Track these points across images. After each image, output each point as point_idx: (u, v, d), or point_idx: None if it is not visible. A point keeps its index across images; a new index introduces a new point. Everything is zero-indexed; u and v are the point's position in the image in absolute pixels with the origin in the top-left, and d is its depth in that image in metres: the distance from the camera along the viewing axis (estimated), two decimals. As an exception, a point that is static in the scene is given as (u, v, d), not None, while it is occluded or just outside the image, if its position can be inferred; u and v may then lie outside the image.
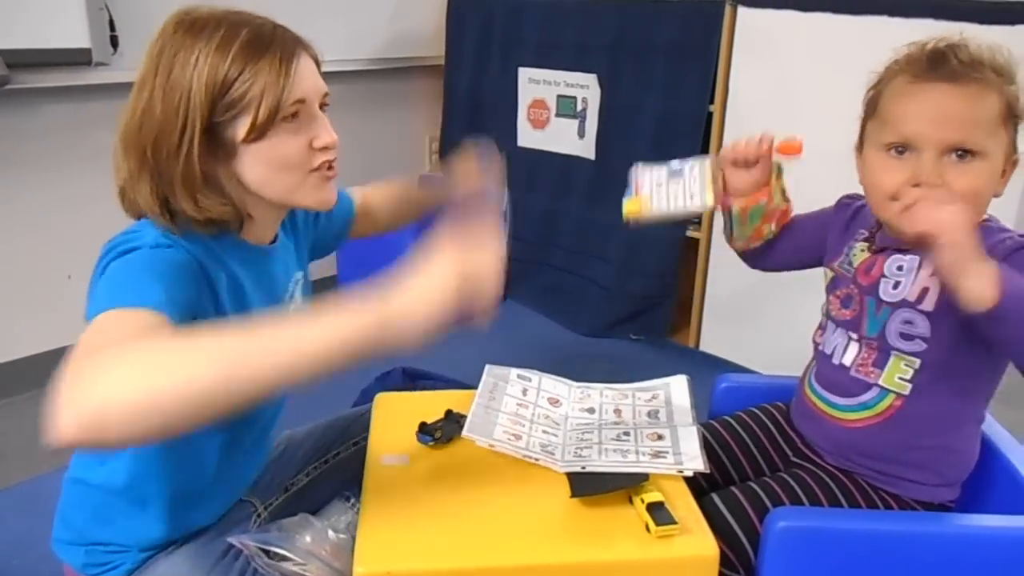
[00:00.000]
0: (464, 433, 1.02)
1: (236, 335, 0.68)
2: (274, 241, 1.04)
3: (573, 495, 0.92)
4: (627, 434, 1.05)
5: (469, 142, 1.15)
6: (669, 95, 2.38)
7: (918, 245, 0.89)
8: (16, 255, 2.18)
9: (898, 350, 1.00)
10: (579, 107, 2.62)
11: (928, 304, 0.97)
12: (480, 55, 2.86)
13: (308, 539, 1.03)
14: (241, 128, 0.88)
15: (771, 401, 1.23)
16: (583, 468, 0.97)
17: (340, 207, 1.14)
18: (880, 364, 1.02)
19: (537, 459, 0.99)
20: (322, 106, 0.97)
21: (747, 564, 0.98)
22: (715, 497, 1.02)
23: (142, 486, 0.98)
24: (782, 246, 1.19)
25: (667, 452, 1.01)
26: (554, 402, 1.15)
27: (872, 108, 1.01)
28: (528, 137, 2.82)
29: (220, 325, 0.72)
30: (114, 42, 2.06)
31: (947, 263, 0.83)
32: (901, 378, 1.00)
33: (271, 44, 0.89)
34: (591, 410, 1.13)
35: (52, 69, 2.02)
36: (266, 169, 0.92)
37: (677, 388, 1.17)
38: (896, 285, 1.00)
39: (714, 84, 2.26)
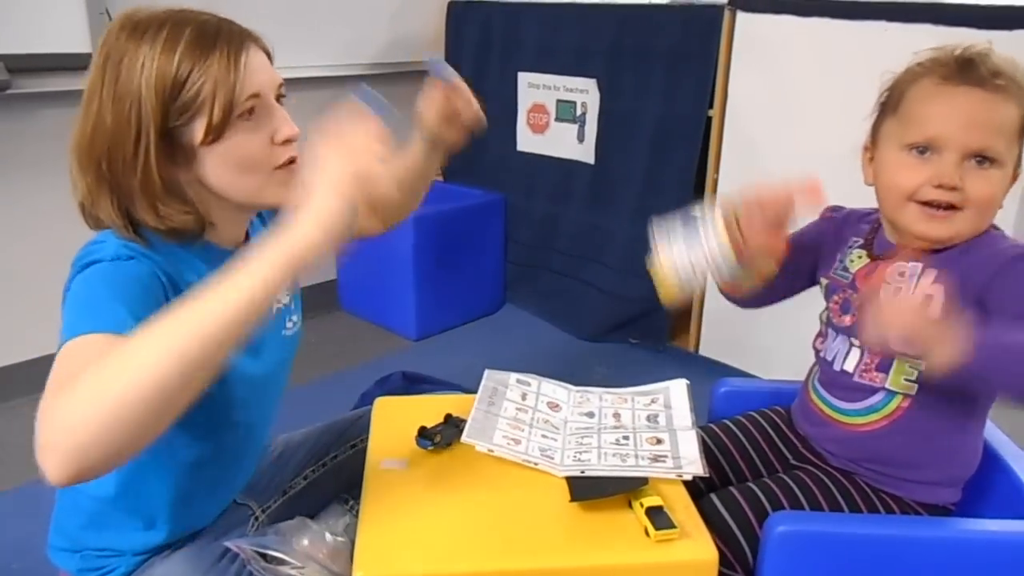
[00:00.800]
0: (464, 438, 1.02)
1: (170, 317, 0.69)
2: (246, 242, 1.01)
3: (572, 499, 0.92)
4: (626, 438, 1.05)
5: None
6: (668, 100, 2.38)
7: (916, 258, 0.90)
8: (16, 259, 2.18)
9: (901, 354, 1.00)
10: (578, 112, 2.62)
11: (931, 312, 0.96)
12: (479, 60, 2.87)
13: (305, 542, 1.03)
14: (198, 131, 0.85)
15: (770, 406, 1.24)
16: (582, 472, 0.97)
17: None
18: (884, 368, 1.02)
19: (536, 463, 0.99)
20: (278, 98, 0.93)
21: (745, 564, 0.98)
22: (713, 497, 1.02)
23: (131, 493, 0.97)
24: (783, 276, 1.08)
25: (666, 456, 1.01)
26: (553, 407, 1.15)
27: (892, 108, 1.00)
28: (528, 141, 2.82)
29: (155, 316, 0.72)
30: (114, 46, 2.06)
31: (919, 349, 0.85)
32: (907, 379, 1.00)
33: (217, 39, 0.86)
34: (590, 414, 1.13)
35: (53, 74, 2.02)
36: (228, 171, 0.89)
37: (676, 392, 1.17)
38: (897, 291, 1.00)
39: (713, 89, 2.26)
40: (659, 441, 1.05)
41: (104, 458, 0.66)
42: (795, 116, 2.07)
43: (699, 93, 2.30)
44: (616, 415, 1.12)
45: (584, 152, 2.64)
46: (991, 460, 1.08)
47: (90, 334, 0.75)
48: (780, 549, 0.94)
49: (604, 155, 2.59)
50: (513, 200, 2.88)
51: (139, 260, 0.85)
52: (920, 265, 0.99)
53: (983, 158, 0.93)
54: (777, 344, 1.89)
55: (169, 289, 0.87)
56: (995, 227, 1.00)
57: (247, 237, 1.02)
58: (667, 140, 2.40)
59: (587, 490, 0.93)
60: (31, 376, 2.19)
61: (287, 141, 0.91)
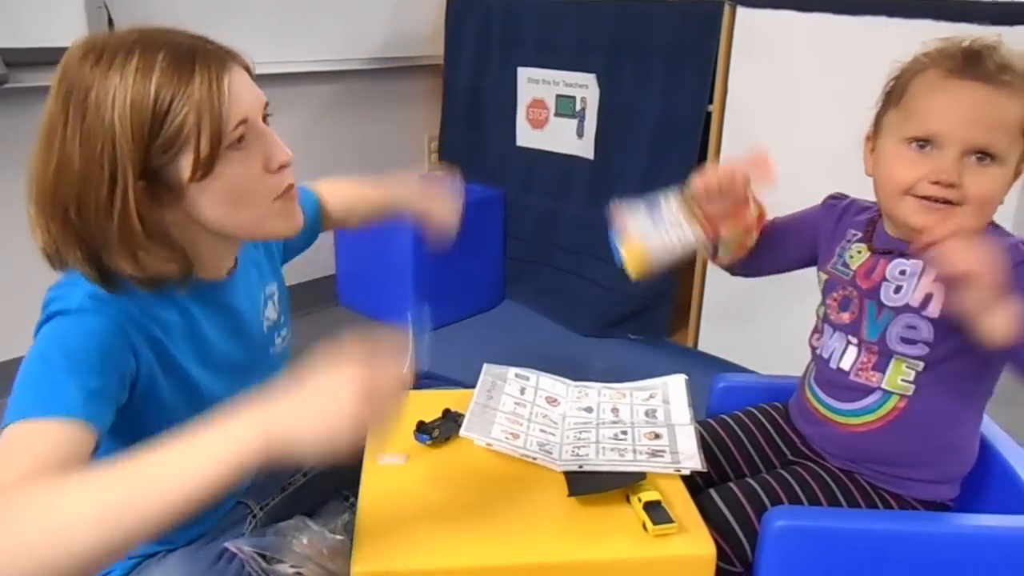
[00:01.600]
0: (462, 432, 1.02)
1: (111, 484, 0.64)
2: (233, 269, 0.96)
3: (570, 494, 0.92)
4: (624, 433, 1.05)
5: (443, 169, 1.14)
6: (668, 95, 2.37)
7: (924, 251, 0.87)
8: (15, 254, 2.18)
9: (900, 354, 0.99)
10: (578, 107, 2.62)
11: (932, 310, 0.96)
12: (479, 55, 2.86)
13: (304, 541, 1.03)
14: (184, 167, 0.77)
15: (769, 401, 1.24)
16: (580, 467, 0.97)
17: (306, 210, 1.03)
18: (881, 367, 1.01)
19: (535, 458, 0.99)
20: (264, 118, 0.86)
21: (743, 557, 0.98)
22: (712, 493, 1.02)
23: None
24: (770, 251, 1.14)
25: (664, 451, 1.01)
26: (552, 401, 1.15)
27: (895, 99, 0.99)
28: (527, 137, 2.82)
29: (101, 466, 0.66)
30: (113, 41, 2.06)
31: (975, 302, 0.82)
32: (904, 379, 1.00)
33: (195, 62, 0.77)
34: (589, 409, 1.13)
35: (51, 68, 2.01)
36: (224, 206, 0.81)
37: (675, 387, 1.17)
38: (898, 289, 0.99)
39: (713, 84, 2.26)
40: (657, 436, 1.05)
41: None
42: (795, 111, 2.07)
43: (699, 88, 2.29)
44: (615, 410, 1.12)
45: (584, 147, 2.64)
46: (989, 456, 1.08)
47: (36, 420, 0.70)
48: (779, 544, 0.94)
49: (604, 150, 2.58)
50: (512, 195, 2.87)
51: (105, 315, 0.78)
52: (921, 263, 0.98)
53: (984, 154, 0.91)
54: (775, 339, 1.89)
55: (138, 341, 0.81)
56: (995, 224, 1.00)
57: (234, 264, 0.96)
58: (667, 135, 2.40)
59: (585, 485, 0.93)
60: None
61: (281, 167, 0.85)
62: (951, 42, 0.96)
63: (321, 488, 1.22)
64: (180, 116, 0.75)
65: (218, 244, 0.88)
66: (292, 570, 1.00)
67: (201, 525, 1.02)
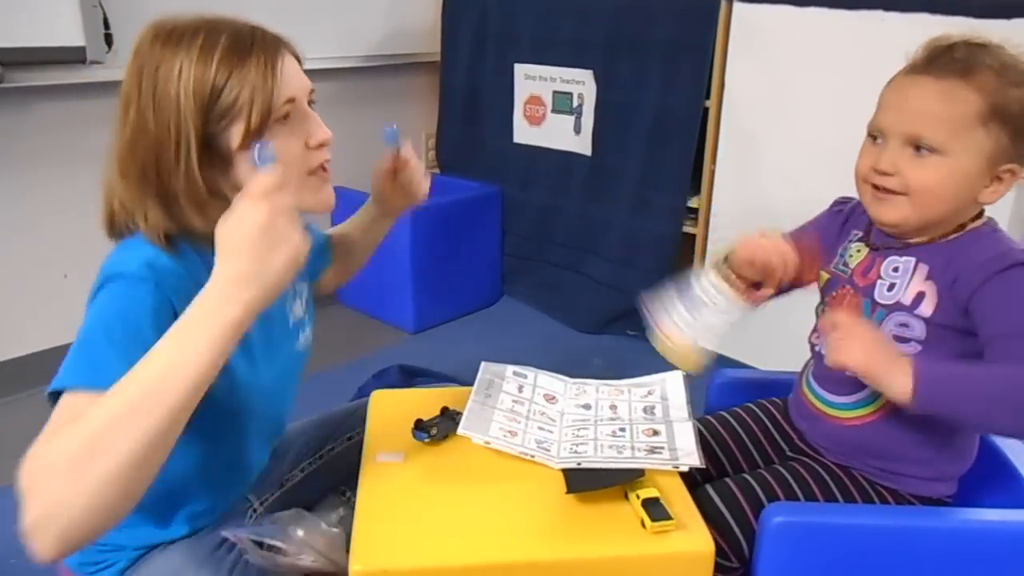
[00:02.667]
0: (460, 430, 1.02)
1: (126, 390, 0.71)
2: None
3: (569, 491, 0.92)
4: (623, 430, 1.05)
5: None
6: (665, 91, 2.37)
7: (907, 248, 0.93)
8: (12, 254, 2.18)
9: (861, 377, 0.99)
10: (575, 103, 2.62)
11: (925, 309, 0.97)
12: (476, 51, 2.86)
13: (301, 532, 1.04)
14: (236, 135, 0.87)
15: (767, 396, 1.24)
16: (579, 464, 0.97)
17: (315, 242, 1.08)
18: None
19: (533, 456, 0.99)
20: (310, 103, 0.95)
21: (740, 554, 0.98)
22: (709, 489, 1.02)
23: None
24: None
25: (662, 448, 1.01)
26: (550, 399, 1.15)
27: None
28: (524, 133, 2.81)
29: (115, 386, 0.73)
30: (108, 40, 2.05)
31: (867, 380, 0.92)
32: None
33: (253, 47, 0.87)
34: (587, 406, 1.13)
35: (46, 67, 2.01)
36: None
37: (673, 384, 1.17)
38: (891, 287, 1.00)
39: (710, 80, 2.26)
40: (655, 432, 1.05)
41: (88, 532, 0.70)
42: (793, 107, 2.06)
43: (696, 84, 2.29)
44: (613, 407, 1.12)
45: (581, 144, 2.64)
46: (988, 450, 1.08)
47: (86, 391, 0.76)
48: (776, 539, 0.94)
49: (601, 147, 2.58)
50: (510, 192, 2.87)
51: (158, 286, 0.83)
52: (913, 260, 0.99)
53: (919, 146, 0.94)
54: (774, 335, 1.89)
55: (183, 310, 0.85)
56: (993, 224, 0.99)
57: None
58: (664, 131, 2.39)
59: (583, 482, 0.93)
60: (30, 371, 2.20)
61: (321, 145, 0.93)
62: (935, 40, 0.97)
63: (319, 485, 1.23)
64: (236, 91, 0.85)
65: None
66: (289, 558, 1.01)
67: (204, 519, 1.04)
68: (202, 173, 0.86)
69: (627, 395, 1.16)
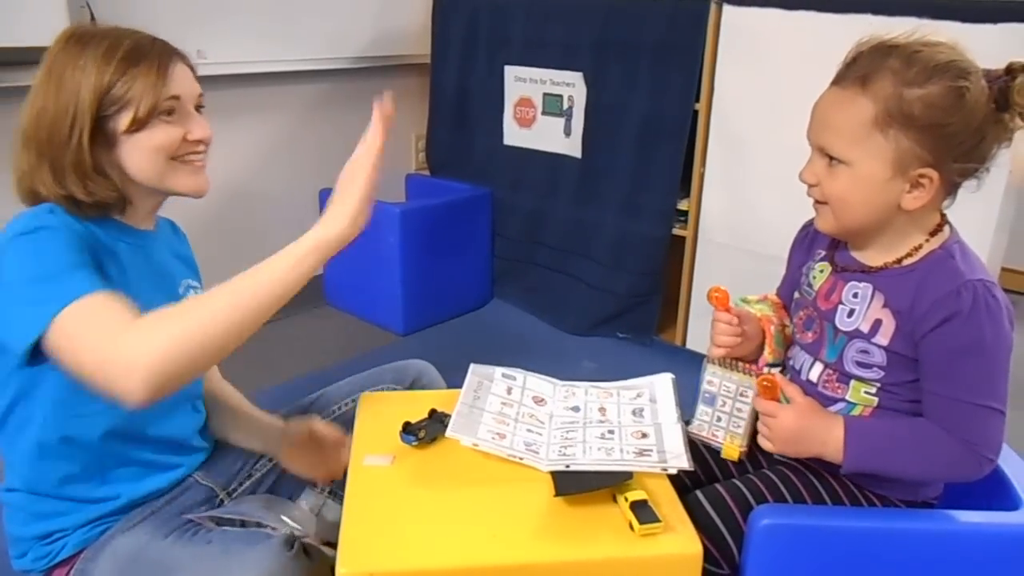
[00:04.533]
0: (448, 433, 1.02)
1: (233, 283, 0.90)
2: (155, 228, 1.14)
3: (557, 494, 0.92)
4: (611, 432, 1.05)
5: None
6: (655, 93, 2.38)
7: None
8: None
9: (857, 376, 1.00)
10: (565, 105, 2.62)
11: (882, 338, 0.97)
12: (466, 53, 2.86)
13: (271, 512, 1.04)
14: (123, 121, 1.00)
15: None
16: (567, 467, 0.97)
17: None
18: (844, 382, 1.02)
19: (521, 458, 0.99)
20: (198, 107, 1.08)
21: (730, 559, 0.98)
22: (699, 494, 1.02)
23: (54, 476, 1.04)
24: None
25: (651, 450, 1.01)
26: (539, 401, 1.15)
27: None
28: (514, 135, 2.81)
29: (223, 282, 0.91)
30: (96, 40, 2.05)
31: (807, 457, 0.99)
32: (867, 392, 1.00)
33: (149, 53, 1.02)
34: (576, 408, 1.13)
35: (31, 67, 2.00)
36: (142, 156, 1.02)
37: (662, 386, 1.17)
38: (851, 313, 1.00)
39: (699, 83, 2.26)
40: (644, 435, 1.05)
41: (185, 372, 0.85)
42: (782, 110, 2.07)
43: (686, 87, 2.30)
44: (602, 409, 1.12)
45: (571, 146, 2.64)
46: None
47: (88, 295, 0.88)
48: (765, 542, 0.94)
49: (591, 149, 2.58)
50: (500, 194, 2.87)
51: (68, 226, 0.97)
52: (871, 287, 0.99)
53: (830, 157, 0.95)
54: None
55: (93, 256, 0.97)
56: (952, 248, 0.96)
57: (156, 227, 1.15)
58: (654, 134, 2.40)
59: (571, 484, 0.93)
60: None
61: (198, 140, 1.06)
62: (857, 46, 0.98)
63: (292, 481, 1.22)
64: (128, 85, 1.00)
65: (140, 194, 1.07)
66: (254, 520, 1.04)
67: (151, 480, 1.10)
68: (90, 150, 1.00)
69: (616, 397, 1.16)
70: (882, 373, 0.98)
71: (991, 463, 0.93)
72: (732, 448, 1.07)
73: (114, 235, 1.05)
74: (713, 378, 1.09)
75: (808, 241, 1.14)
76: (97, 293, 0.89)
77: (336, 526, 0.89)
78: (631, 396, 1.16)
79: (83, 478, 1.04)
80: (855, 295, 1.00)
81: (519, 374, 1.20)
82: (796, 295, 1.11)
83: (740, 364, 1.08)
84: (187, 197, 1.09)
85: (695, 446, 1.14)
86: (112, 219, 1.05)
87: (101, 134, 1.01)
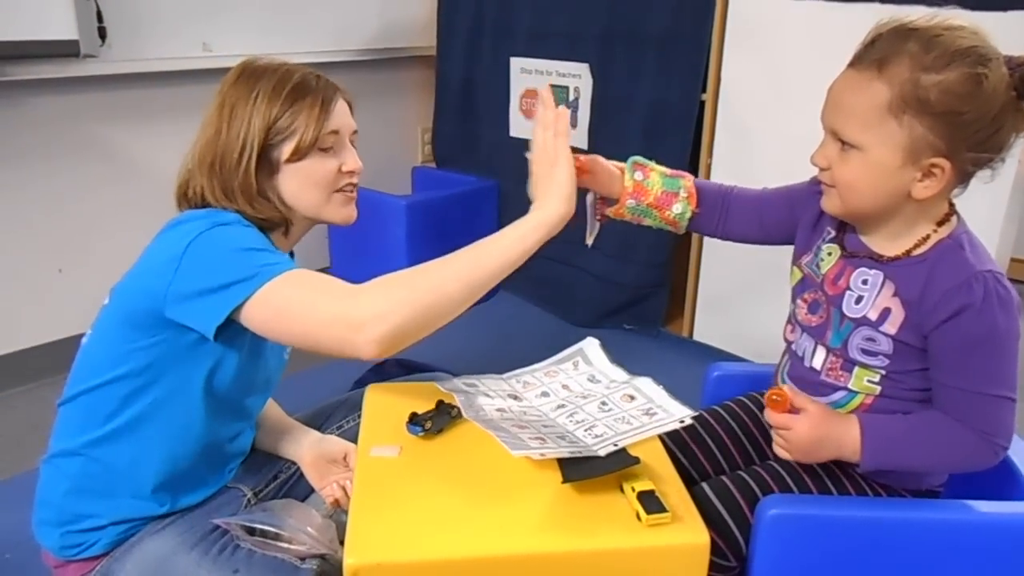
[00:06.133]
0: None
1: (462, 253, 0.98)
2: (291, 257, 1.18)
3: (564, 481, 0.92)
4: (604, 404, 1.05)
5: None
6: (661, 84, 2.37)
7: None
8: (6, 249, 2.17)
9: (861, 363, 1.00)
10: (571, 96, 2.61)
11: (890, 327, 0.96)
12: (472, 45, 2.85)
13: (292, 519, 1.05)
14: (287, 150, 1.08)
15: (762, 389, 1.23)
16: (616, 444, 0.94)
17: None
18: (847, 369, 1.01)
19: (575, 453, 0.94)
20: (352, 141, 1.15)
21: (737, 552, 0.98)
22: (706, 487, 1.02)
23: (126, 457, 1.05)
24: (745, 215, 1.17)
25: (652, 408, 1.00)
26: (515, 397, 1.11)
27: None
28: (521, 127, 2.81)
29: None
30: (102, 33, 2.04)
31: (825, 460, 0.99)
32: (870, 381, 1.00)
33: (316, 88, 1.09)
34: (546, 394, 1.11)
35: (40, 61, 2.00)
36: (299, 184, 1.10)
37: (592, 350, 1.19)
38: (859, 300, 0.99)
39: (706, 72, 2.25)
40: (632, 397, 1.04)
41: (414, 332, 0.94)
42: (789, 99, 2.06)
43: (692, 77, 2.29)
44: (565, 387, 1.12)
45: (577, 137, 2.63)
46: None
47: (292, 271, 0.96)
48: (772, 532, 0.94)
49: (597, 140, 2.58)
50: (506, 186, 2.87)
51: (254, 229, 1.05)
52: (882, 275, 0.98)
53: (842, 141, 0.93)
54: (769, 329, 1.89)
55: None
56: (960, 238, 0.95)
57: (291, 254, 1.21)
58: (660, 125, 2.39)
59: (579, 471, 0.92)
60: (22, 366, 2.19)
61: (351, 171, 1.13)
62: (877, 28, 0.96)
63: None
64: (293, 118, 1.07)
65: (296, 218, 1.13)
66: (282, 543, 1.05)
67: (198, 493, 1.11)
68: (256, 175, 1.06)
69: (563, 374, 1.15)
70: (887, 361, 0.98)
71: (1004, 451, 0.93)
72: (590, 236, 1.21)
73: None
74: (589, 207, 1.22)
75: (818, 210, 1.09)
76: (302, 270, 0.97)
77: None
78: (570, 367, 1.17)
79: (148, 472, 1.06)
80: (864, 282, 0.99)
81: (474, 379, 1.17)
82: (800, 274, 1.09)
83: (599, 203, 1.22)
84: (337, 225, 1.17)
85: (701, 438, 1.14)
86: (269, 238, 1.10)
87: (266, 161, 1.08)
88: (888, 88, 0.88)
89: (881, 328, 0.97)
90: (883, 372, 0.99)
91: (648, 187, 1.18)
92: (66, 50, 1.99)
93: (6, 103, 2.07)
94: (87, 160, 2.26)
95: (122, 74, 2.16)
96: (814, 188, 1.10)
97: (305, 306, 0.94)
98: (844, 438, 0.95)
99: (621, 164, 1.19)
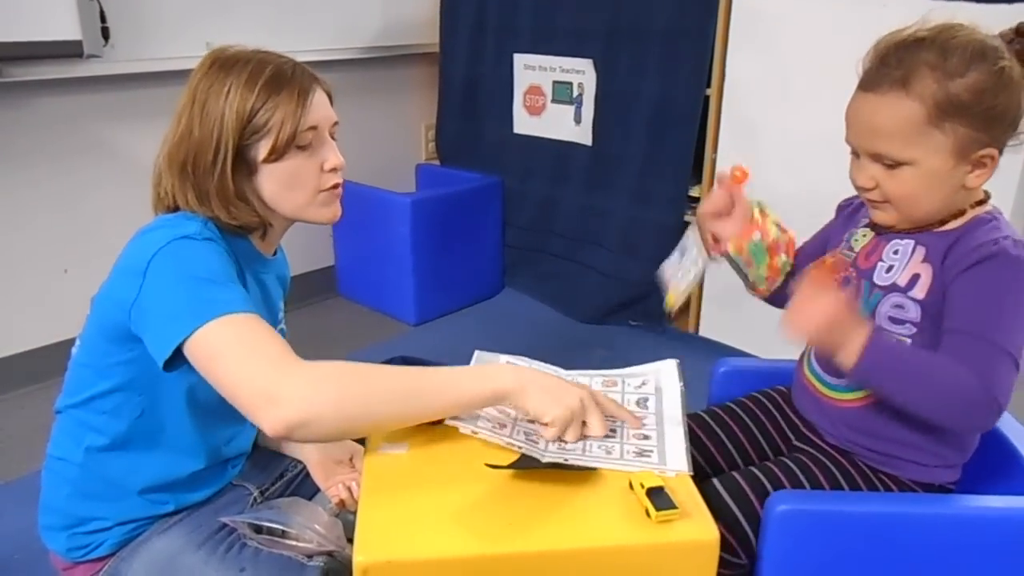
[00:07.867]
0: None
1: (405, 378, 0.92)
2: (274, 255, 1.15)
3: (509, 466, 0.92)
4: (614, 431, 1.04)
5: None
6: (665, 79, 2.36)
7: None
8: (11, 250, 2.18)
9: (888, 332, 0.99)
10: (575, 93, 2.61)
11: (919, 291, 0.97)
12: (475, 42, 2.85)
13: (299, 516, 1.05)
14: (263, 150, 1.01)
15: (770, 385, 1.23)
16: (565, 460, 0.95)
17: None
18: None
19: (520, 447, 0.98)
20: (332, 134, 1.08)
21: (748, 548, 0.98)
22: (716, 482, 1.01)
23: (128, 461, 1.04)
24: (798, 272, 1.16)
25: (652, 452, 0.98)
26: None
27: None
28: (524, 124, 2.81)
29: (396, 369, 0.93)
30: (105, 34, 2.04)
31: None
32: None
33: (291, 79, 1.02)
34: None
35: (43, 62, 2.01)
36: (280, 186, 1.04)
37: (667, 374, 1.15)
38: (890, 269, 1.00)
39: (711, 68, 2.25)
40: (646, 437, 1.03)
41: (323, 432, 0.89)
42: (794, 95, 2.06)
43: (697, 72, 2.28)
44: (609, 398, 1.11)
45: (582, 134, 2.63)
46: (994, 439, 1.07)
47: (240, 314, 0.90)
48: (781, 528, 0.94)
49: (602, 136, 2.58)
50: (510, 183, 2.87)
51: (217, 243, 0.99)
52: (913, 242, 0.99)
53: (886, 162, 0.94)
54: (776, 324, 1.89)
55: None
56: (993, 212, 0.98)
57: (275, 252, 1.16)
58: (665, 120, 2.39)
59: (528, 463, 0.93)
60: (28, 367, 2.20)
61: (333, 169, 1.06)
62: (876, 45, 0.97)
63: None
64: (269, 113, 1.00)
65: (277, 219, 1.09)
66: (288, 540, 1.05)
67: (200, 492, 1.11)
68: (232, 176, 1.01)
69: (621, 387, 1.15)
70: (914, 329, 0.98)
71: (999, 412, 0.91)
72: (671, 297, 1.18)
73: (243, 261, 1.06)
74: (691, 241, 1.18)
75: (850, 212, 1.14)
76: (252, 314, 0.90)
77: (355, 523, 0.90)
78: (636, 384, 1.14)
79: (147, 477, 1.05)
80: (896, 252, 1.00)
81: (524, 361, 1.19)
82: (831, 258, 1.10)
83: (708, 239, 1.14)
84: (322, 224, 1.12)
85: (713, 433, 1.14)
86: (248, 241, 1.07)
87: (243, 161, 1.02)
88: (920, 104, 0.90)
89: (910, 293, 0.97)
90: (909, 339, 0.98)
91: (768, 228, 1.14)
92: (69, 50, 1.99)
93: (10, 104, 2.07)
94: (92, 160, 2.26)
95: (125, 74, 2.16)
96: (841, 207, 1.15)
97: (234, 359, 0.88)
98: (852, 334, 0.93)
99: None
